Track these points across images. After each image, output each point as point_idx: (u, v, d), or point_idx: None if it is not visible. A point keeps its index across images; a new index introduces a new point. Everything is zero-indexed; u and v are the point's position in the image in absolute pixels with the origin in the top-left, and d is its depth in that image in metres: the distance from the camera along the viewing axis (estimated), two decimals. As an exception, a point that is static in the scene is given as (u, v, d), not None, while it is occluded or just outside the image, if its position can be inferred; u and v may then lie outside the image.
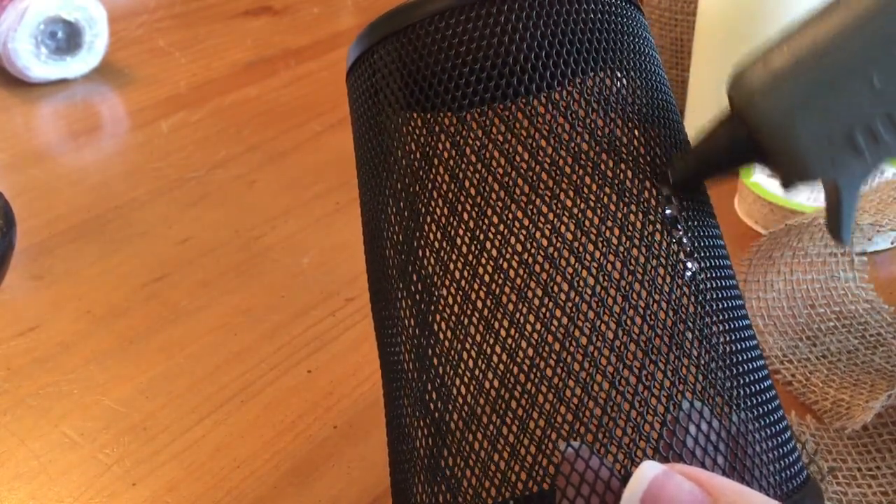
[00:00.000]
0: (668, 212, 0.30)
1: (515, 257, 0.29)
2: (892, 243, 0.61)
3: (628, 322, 0.28)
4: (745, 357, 0.31)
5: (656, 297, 0.29)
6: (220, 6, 1.07)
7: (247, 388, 0.51)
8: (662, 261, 0.30)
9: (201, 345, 0.54)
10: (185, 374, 0.52)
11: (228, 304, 0.57)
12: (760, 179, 0.65)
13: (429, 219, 0.30)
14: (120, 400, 0.50)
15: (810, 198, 0.63)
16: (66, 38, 0.86)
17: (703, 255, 0.30)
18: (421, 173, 0.30)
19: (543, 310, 0.29)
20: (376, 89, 0.31)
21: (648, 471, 0.26)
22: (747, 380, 0.31)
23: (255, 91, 0.86)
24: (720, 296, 0.31)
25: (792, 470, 0.30)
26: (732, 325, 0.31)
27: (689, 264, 0.30)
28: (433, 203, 0.30)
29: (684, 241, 0.30)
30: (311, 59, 0.93)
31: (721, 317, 0.30)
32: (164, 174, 0.72)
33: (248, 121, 0.81)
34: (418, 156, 0.30)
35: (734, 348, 0.30)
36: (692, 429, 0.28)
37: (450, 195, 0.30)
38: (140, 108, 0.84)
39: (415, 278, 0.31)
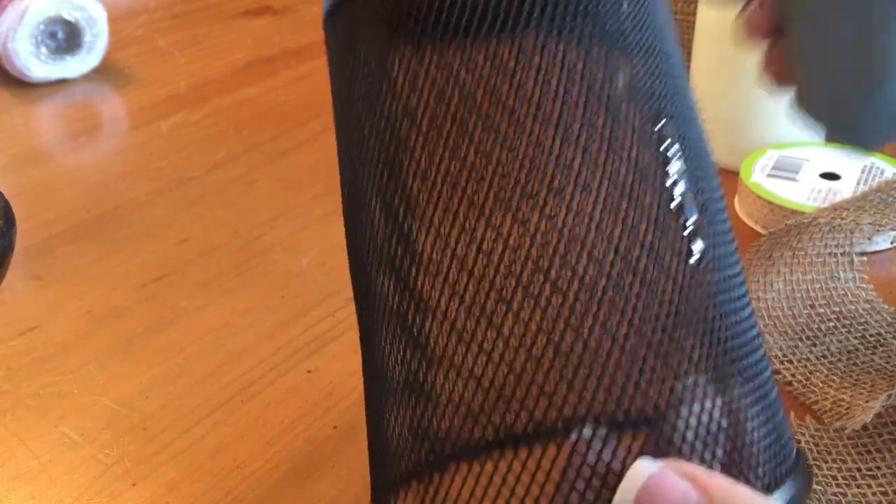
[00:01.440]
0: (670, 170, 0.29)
1: (499, 168, 0.28)
2: (892, 243, 0.61)
3: (619, 248, 0.28)
4: (743, 326, 0.30)
5: (650, 228, 0.28)
6: (220, 6, 1.07)
7: (247, 389, 0.51)
8: (656, 189, 0.29)
9: (201, 345, 0.54)
10: (185, 374, 0.52)
11: (228, 305, 0.57)
12: (760, 179, 0.65)
13: (413, 140, 0.29)
14: (120, 400, 0.50)
15: (810, 198, 0.63)
16: (66, 37, 0.86)
17: (700, 197, 0.30)
18: (404, 96, 0.29)
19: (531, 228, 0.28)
20: (362, 23, 0.30)
21: (643, 469, 0.26)
22: (745, 350, 0.30)
23: (255, 91, 0.86)
24: (720, 254, 0.30)
25: (785, 450, 0.30)
26: (729, 293, 0.30)
27: (686, 209, 0.29)
28: (416, 128, 0.29)
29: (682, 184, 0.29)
30: (312, 59, 0.93)
31: (717, 277, 0.30)
32: (163, 174, 0.72)
33: (248, 121, 0.81)
34: (402, 80, 0.30)
35: (733, 318, 0.30)
36: (693, 415, 0.28)
37: (435, 117, 0.29)
38: (140, 107, 0.84)
39: (396, 198, 0.30)
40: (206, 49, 0.96)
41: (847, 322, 0.53)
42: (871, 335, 0.52)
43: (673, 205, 0.29)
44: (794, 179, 0.65)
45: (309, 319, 0.56)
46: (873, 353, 0.51)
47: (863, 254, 0.58)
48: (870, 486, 0.43)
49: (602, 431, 0.27)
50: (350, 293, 0.58)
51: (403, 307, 0.30)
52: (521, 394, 0.28)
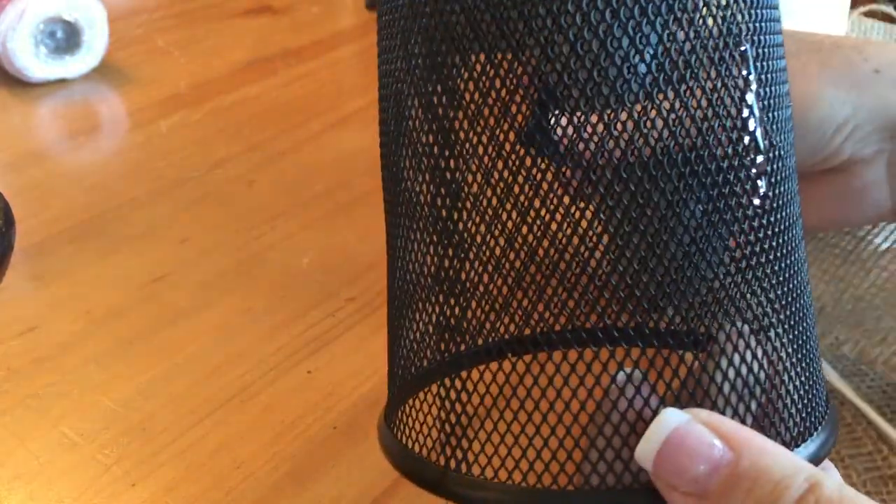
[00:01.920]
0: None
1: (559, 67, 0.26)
2: (891, 244, 0.61)
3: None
4: (793, 270, 0.29)
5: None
6: (219, 6, 1.06)
7: (246, 389, 0.50)
8: (731, 116, 0.27)
9: (201, 345, 0.54)
10: (185, 374, 0.52)
11: (228, 305, 0.57)
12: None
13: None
14: (119, 400, 0.50)
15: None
16: (66, 37, 0.86)
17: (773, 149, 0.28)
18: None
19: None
20: None
21: (670, 419, 0.25)
22: (791, 297, 0.29)
23: (255, 91, 0.86)
24: (781, 192, 0.29)
25: (816, 400, 0.30)
26: (785, 234, 0.29)
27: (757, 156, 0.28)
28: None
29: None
30: (311, 59, 0.93)
31: (777, 218, 0.29)
32: (163, 174, 0.72)
33: (248, 120, 0.81)
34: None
35: (785, 261, 0.29)
36: (731, 365, 0.27)
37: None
38: (139, 107, 0.84)
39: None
40: (205, 49, 0.96)
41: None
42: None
43: (746, 139, 0.28)
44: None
45: (309, 319, 0.56)
46: None
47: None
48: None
49: (637, 376, 0.27)
50: (350, 293, 0.58)
51: (438, 201, 0.29)
52: (553, 291, 0.28)
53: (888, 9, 0.78)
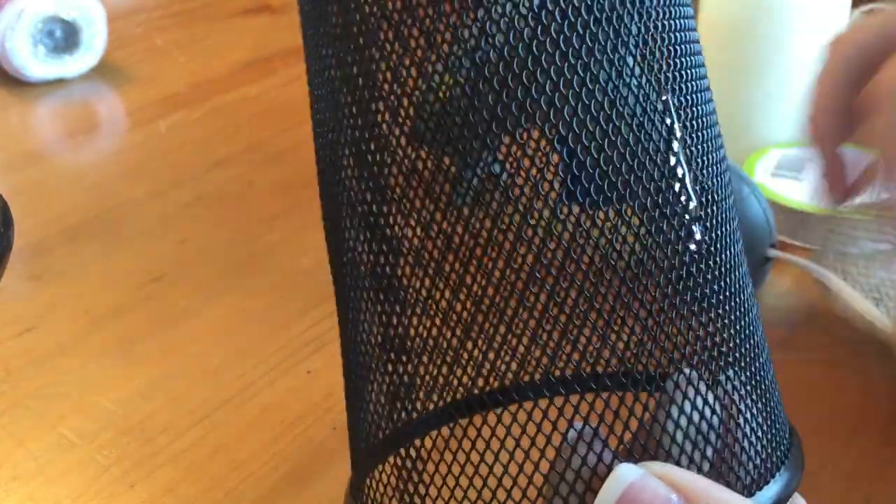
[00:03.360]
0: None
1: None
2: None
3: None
4: (741, 310, 0.29)
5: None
6: (218, 5, 1.06)
7: (246, 389, 0.50)
8: (657, 165, 0.27)
9: (200, 345, 0.54)
10: (184, 374, 0.51)
11: (227, 305, 0.57)
12: (764, 179, 0.65)
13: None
14: (118, 401, 0.50)
15: (813, 196, 0.63)
16: (64, 37, 0.86)
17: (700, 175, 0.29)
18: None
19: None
20: None
21: (624, 475, 0.25)
22: (741, 337, 0.29)
23: (255, 90, 0.86)
24: (720, 235, 0.29)
25: (777, 438, 0.29)
26: (730, 275, 0.29)
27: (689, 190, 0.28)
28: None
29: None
30: (311, 59, 0.93)
31: (719, 260, 0.29)
32: (162, 174, 0.72)
33: (248, 120, 0.80)
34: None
35: (731, 303, 0.29)
36: (682, 413, 0.27)
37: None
38: (139, 107, 0.83)
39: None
40: (204, 48, 0.96)
41: None
42: None
43: (676, 186, 0.28)
44: (796, 179, 0.65)
45: (309, 319, 0.55)
46: None
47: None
48: None
49: (588, 432, 0.27)
50: (350, 293, 0.58)
51: (380, 259, 0.29)
52: (497, 350, 0.28)
53: (889, 8, 0.78)
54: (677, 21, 0.29)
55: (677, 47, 0.28)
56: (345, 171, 0.30)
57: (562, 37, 0.26)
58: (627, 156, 0.27)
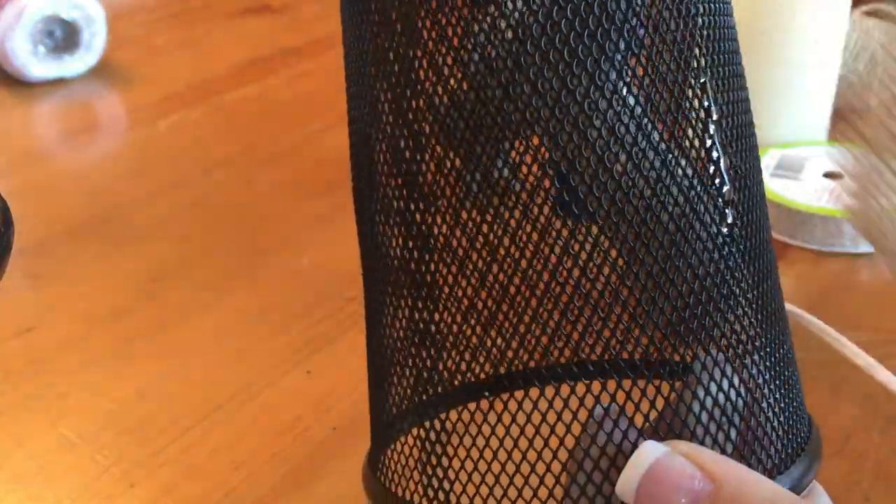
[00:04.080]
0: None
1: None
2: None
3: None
4: (767, 298, 0.29)
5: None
6: (218, 5, 1.06)
7: (246, 389, 0.50)
8: (693, 149, 0.28)
9: (200, 345, 0.54)
10: (184, 375, 0.51)
11: (227, 305, 0.57)
12: (764, 179, 0.65)
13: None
14: (118, 401, 0.49)
15: (814, 197, 0.63)
16: (64, 37, 0.86)
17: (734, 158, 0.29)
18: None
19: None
20: None
21: (649, 452, 0.25)
22: (768, 324, 0.29)
23: (255, 90, 0.86)
24: (750, 221, 0.29)
25: (798, 425, 0.30)
26: (757, 261, 0.29)
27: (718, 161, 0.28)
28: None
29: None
30: (311, 58, 0.93)
31: (746, 247, 0.29)
32: (162, 174, 0.72)
33: (247, 120, 0.80)
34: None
35: (758, 290, 0.29)
36: (707, 395, 0.27)
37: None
38: (138, 107, 0.83)
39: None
40: (204, 48, 0.96)
41: None
42: None
43: (711, 169, 0.28)
44: (797, 178, 0.65)
45: (309, 319, 0.55)
46: None
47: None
48: None
49: (615, 409, 0.27)
50: (350, 293, 0.58)
51: (409, 249, 0.29)
52: (525, 330, 0.28)
53: (889, 8, 0.78)
54: (715, 4, 0.29)
55: (716, 31, 0.29)
56: (378, 165, 0.30)
57: (573, 34, 0.26)
58: (664, 136, 0.27)
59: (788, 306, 0.52)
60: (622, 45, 0.27)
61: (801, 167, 0.66)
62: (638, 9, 0.27)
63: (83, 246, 0.63)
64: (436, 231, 0.29)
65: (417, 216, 0.29)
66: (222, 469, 0.45)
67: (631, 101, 0.27)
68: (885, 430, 0.48)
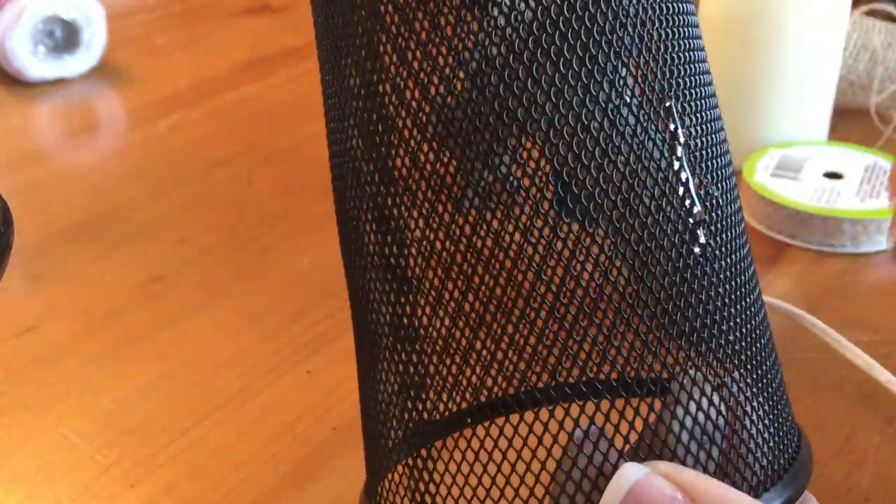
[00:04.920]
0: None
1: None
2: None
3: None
4: (748, 314, 0.29)
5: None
6: (218, 5, 1.06)
7: (246, 390, 0.50)
8: (661, 170, 0.28)
9: (200, 346, 0.54)
10: (184, 374, 0.51)
11: (227, 305, 0.57)
12: (763, 179, 0.65)
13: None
14: (118, 401, 0.49)
15: (813, 197, 0.63)
16: (64, 37, 0.86)
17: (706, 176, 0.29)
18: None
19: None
20: None
21: (629, 474, 0.25)
22: (749, 340, 0.29)
23: (255, 90, 0.86)
24: (726, 239, 0.29)
25: (785, 441, 0.30)
26: (734, 279, 0.29)
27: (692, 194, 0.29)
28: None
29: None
30: (311, 58, 0.92)
31: (722, 265, 0.29)
32: (162, 174, 0.72)
33: (247, 120, 0.80)
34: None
35: (737, 307, 0.29)
36: (688, 413, 0.27)
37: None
38: (138, 107, 0.83)
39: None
40: (204, 48, 0.96)
41: None
42: None
43: (680, 190, 0.28)
44: (796, 179, 0.65)
45: (309, 319, 0.55)
46: None
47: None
48: None
49: (594, 431, 0.27)
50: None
51: (386, 250, 0.30)
52: (508, 357, 0.28)
53: (889, 8, 0.78)
54: (680, 29, 0.29)
55: (680, 55, 0.29)
56: (355, 157, 0.30)
57: (553, 49, 0.26)
58: (629, 164, 0.27)
59: (788, 306, 0.52)
60: (611, 55, 0.27)
61: (801, 167, 0.66)
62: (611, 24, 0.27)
63: (83, 246, 0.63)
64: (412, 262, 0.29)
65: (393, 209, 0.29)
66: (222, 469, 0.45)
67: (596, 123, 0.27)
68: (885, 430, 0.48)
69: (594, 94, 0.27)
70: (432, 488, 0.29)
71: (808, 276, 0.59)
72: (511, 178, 0.28)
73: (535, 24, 0.27)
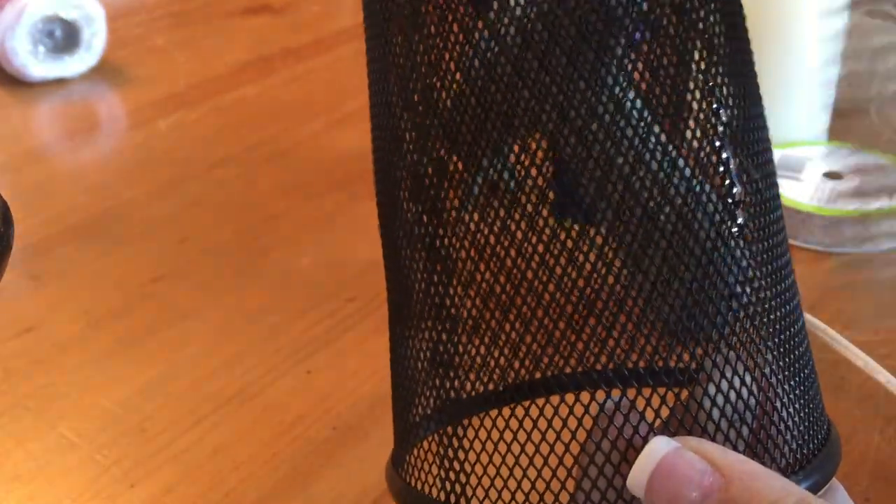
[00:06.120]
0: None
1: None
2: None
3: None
4: (783, 298, 0.30)
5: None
6: (218, 4, 1.06)
7: (246, 389, 0.50)
8: (702, 150, 0.28)
9: (200, 345, 0.54)
10: (184, 375, 0.51)
11: (227, 305, 0.57)
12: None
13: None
14: (118, 401, 0.49)
15: (814, 197, 0.63)
16: (64, 36, 0.86)
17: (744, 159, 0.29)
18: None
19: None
20: None
21: (659, 447, 0.25)
22: (783, 324, 0.29)
23: (255, 90, 0.86)
24: (763, 223, 0.29)
25: (815, 426, 0.30)
26: (771, 263, 0.29)
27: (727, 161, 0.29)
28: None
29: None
30: (311, 58, 0.93)
31: (759, 248, 0.29)
32: (162, 174, 0.72)
33: (248, 120, 0.80)
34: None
35: (773, 290, 0.29)
36: (719, 391, 0.27)
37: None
38: (138, 107, 0.83)
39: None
40: (204, 48, 0.95)
41: None
42: None
43: (720, 170, 0.28)
44: (797, 178, 0.65)
45: (309, 319, 0.55)
46: None
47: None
48: None
49: (625, 404, 0.27)
50: (350, 293, 0.58)
51: (430, 231, 0.30)
52: (542, 337, 0.28)
53: (889, 8, 0.78)
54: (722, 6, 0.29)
55: (728, 43, 0.29)
56: (403, 154, 0.31)
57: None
58: (664, 146, 0.28)
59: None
60: (622, 44, 0.27)
61: (801, 167, 0.66)
62: (633, 9, 0.27)
63: (83, 246, 0.63)
64: (452, 253, 0.29)
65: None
66: (222, 469, 0.45)
67: (629, 104, 0.27)
68: (885, 430, 0.48)
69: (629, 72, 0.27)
70: (461, 456, 0.29)
71: (808, 276, 0.59)
72: (543, 167, 0.28)
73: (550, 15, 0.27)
